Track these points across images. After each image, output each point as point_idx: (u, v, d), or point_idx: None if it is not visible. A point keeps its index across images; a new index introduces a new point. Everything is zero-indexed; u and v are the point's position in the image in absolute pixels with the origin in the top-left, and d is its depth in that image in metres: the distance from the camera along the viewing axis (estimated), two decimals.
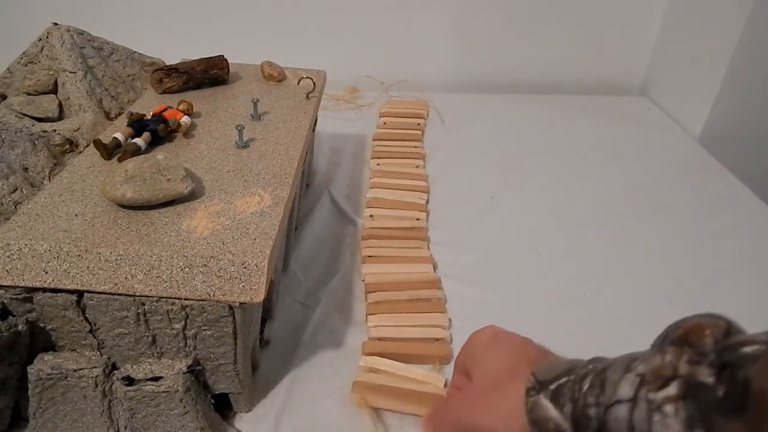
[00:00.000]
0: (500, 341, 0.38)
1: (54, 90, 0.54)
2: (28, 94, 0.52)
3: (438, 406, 0.40)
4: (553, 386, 0.32)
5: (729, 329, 0.27)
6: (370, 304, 0.53)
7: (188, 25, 0.99)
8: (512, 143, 0.86)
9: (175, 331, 0.37)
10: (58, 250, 0.35)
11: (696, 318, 0.28)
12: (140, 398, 0.38)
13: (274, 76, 0.64)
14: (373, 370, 0.46)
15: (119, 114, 0.55)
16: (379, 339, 0.49)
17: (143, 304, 0.36)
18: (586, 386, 0.30)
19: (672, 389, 0.27)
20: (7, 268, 0.35)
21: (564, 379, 0.32)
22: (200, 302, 0.36)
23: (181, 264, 0.36)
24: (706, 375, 0.26)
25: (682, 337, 0.28)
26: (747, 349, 0.25)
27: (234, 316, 0.37)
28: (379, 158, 0.77)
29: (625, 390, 0.28)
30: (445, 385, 0.45)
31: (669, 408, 0.26)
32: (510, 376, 0.35)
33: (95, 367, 0.38)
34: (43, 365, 0.37)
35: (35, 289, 0.36)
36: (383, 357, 0.47)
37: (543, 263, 0.61)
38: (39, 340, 0.38)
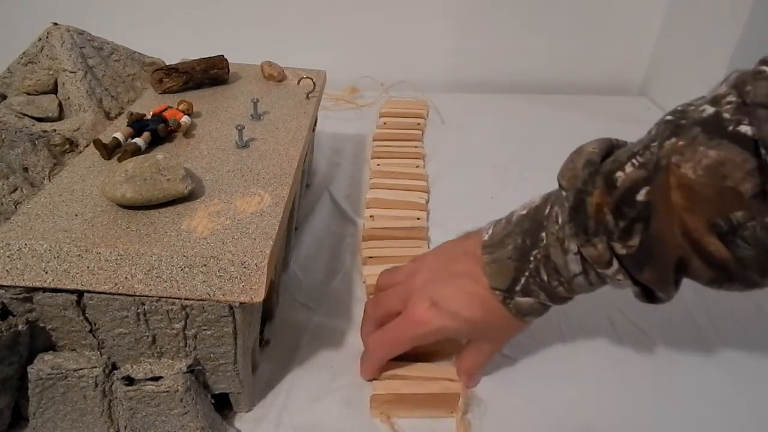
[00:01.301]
0: (451, 305, 0.42)
1: (54, 90, 0.54)
2: (28, 94, 0.52)
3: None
4: (518, 288, 0.41)
5: (611, 181, 0.35)
6: None
7: (188, 25, 0.99)
8: (512, 143, 0.86)
9: (175, 331, 0.37)
10: (58, 250, 0.35)
11: (586, 196, 0.36)
12: (140, 398, 0.38)
13: (274, 76, 0.64)
14: (388, 375, 0.45)
15: (119, 114, 0.55)
16: None
17: (143, 304, 0.36)
18: (545, 277, 0.40)
19: (615, 265, 0.36)
20: (7, 268, 0.35)
21: (523, 280, 0.40)
22: (200, 302, 0.36)
23: (181, 264, 0.36)
24: (620, 248, 0.35)
25: (596, 226, 0.36)
26: (640, 197, 0.33)
27: (234, 316, 0.37)
28: (379, 158, 0.77)
29: (575, 267, 0.38)
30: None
31: (620, 276, 0.37)
32: (492, 312, 0.42)
33: (95, 367, 0.38)
34: (43, 365, 0.37)
35: (35, 289, 0.36)
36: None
37: None
38: (39, 340, 0.38)
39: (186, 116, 0.51)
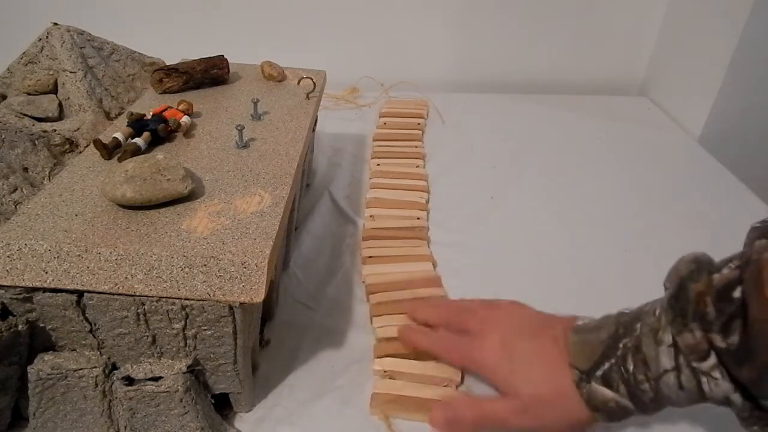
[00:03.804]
0: (517, 354, 0.41)
1: (54, 90, 0.54)
2: (28, 94, 0.52)
3: (468, 406, 0.42)
4: (599, 373, 0.38)
5: (714, 282, 0.34)
6: (373, 305, 0.53)
7: (188, 25, 0.99)
8: (512, 143, 0.86)
9: (175, 331, 0.37)
10: (58, 250, 0.35)
11: (691, 283, 0.35)
12: (140, 398, 0.38)
13: (274, 76, 0.64)
14: (389, 374, 0.45)
15: (119, 114, 0.55)
16: (387, 339, 0.49)
17: (143, 304, 0.36)
18: (631, 367, 0.37)
19: (712, 359, 0.34)
20: (7, 268, 0.35)
21: (607, 365, 0.38)
22: (200, 302, 0.36)
23: (181, 264, 0.36)
24: (719, 340, 0.33)
25: (695, 312, 0.34)
26: (736, 294, 0.33)
27: (234, 316, 0.37)
28: (379, 158, 0.77)
29: (666, 361, 0.35)
30: (462, 379, 0.46)
31: (716, 373, 0.34)
32: (560, 388, 0.39)
33: (95, 367, 0.38)
34: (43, 365, 0.38)
35: (35, 289, 0.36)
36: (395, 357, 0.46)
37: (543, 263, 0.61)
38: (39, 340, 0.38)
39: (186, 116, 0.51)
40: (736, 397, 0.34)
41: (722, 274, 0.34)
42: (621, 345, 0.37)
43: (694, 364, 0.34)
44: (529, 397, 0.40)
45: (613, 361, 0.37)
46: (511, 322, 0.44)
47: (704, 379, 0.34)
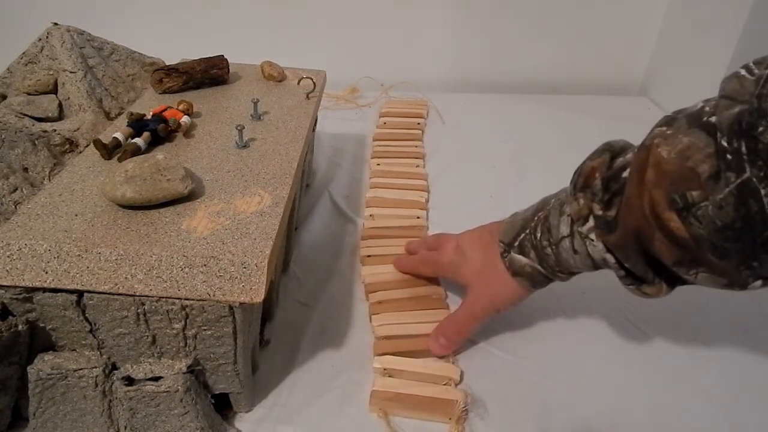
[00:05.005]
0: (465, 248, 0.50)
1: (54, 90, 0.54)
2: (28, 94, 0.52)
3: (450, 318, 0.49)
4: (516, 243, 0.45)
5: (611, 164, 0.39)
6: (372, 304, 0.53)
7: (188, 25, 1.00)
8: (512, 143, 0.86)
9: (175, 331, 0.37)
10: (58, 250, 0.36)
11: (589, 161, 0.41)
12: (140, 398, 0.38)
13: (274, 76, 0.64)
14: (388, 372, 0.45)
15: (119, 114, 0.55)
16: (386, 337, 0.49)
17: (143, 304, 0.36)
18: (539, 234, 0.43)
19: (590, 223, 0.40)
20: (7, 268, 0.35)
21: (522, 235, 0.44)
22: (200, 302, 0.36)
23: (181, 264, 0.36)
24: (598, 209, 0.39)
25: (583, 183, 0.40)
26: (624, 174, 0.38)
27: (234, 316, 0.37)
28: (379, 158, 0.77)
29: (564, 229, 0.42)
30: (461, 378, 0.46)
31: (592, 235, 0.40)
32: (491, 262, 0.47)
33: (95, 367, 0.38)
34: (43, 365, 0.38)
35: (35, 289, 0.36)
36: (395, 355, 0.46)
37: None
38: (39, 340, 0.38)
39: (186, 116, 0.51)
40: (609, 257, 0.39)
41: (625, 158, 0.39)
42: (536, 218, 0.44)
43: (579, 229, 0.40)
44: (473, 277, 0.48)
45: (527, 231, 0.44)
46: (466, 233, 0.52)
47: (587, 242, 0.40)
